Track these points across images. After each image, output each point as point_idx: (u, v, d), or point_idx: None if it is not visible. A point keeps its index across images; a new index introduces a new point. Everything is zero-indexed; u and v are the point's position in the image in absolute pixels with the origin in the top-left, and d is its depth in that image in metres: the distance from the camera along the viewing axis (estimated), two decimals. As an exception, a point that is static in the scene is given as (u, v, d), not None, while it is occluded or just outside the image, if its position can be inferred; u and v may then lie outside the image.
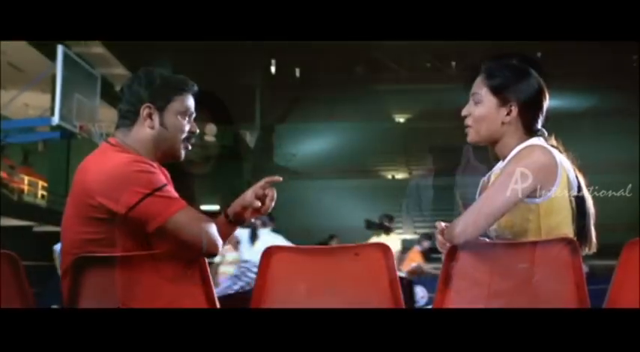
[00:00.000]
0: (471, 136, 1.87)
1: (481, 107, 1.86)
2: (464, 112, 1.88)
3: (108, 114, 12.36)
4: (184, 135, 1.89)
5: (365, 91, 30.08)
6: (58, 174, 16.07)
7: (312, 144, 28.28)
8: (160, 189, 1.71)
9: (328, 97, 29.62)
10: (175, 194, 1.75)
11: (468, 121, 1.88)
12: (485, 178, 1.92)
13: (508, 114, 1.84)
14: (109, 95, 12.76)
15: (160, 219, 1.68)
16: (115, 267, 1.65)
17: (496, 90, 1.85)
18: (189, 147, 1.92)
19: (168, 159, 1.90)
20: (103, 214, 1.71)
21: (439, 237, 1.77)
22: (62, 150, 15.84)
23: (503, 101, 1.84)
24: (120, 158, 1.75)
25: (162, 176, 1.77)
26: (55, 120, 9.35)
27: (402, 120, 30.41)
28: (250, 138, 27.56)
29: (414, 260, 9.06)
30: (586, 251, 1.80)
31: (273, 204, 1.92)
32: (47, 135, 10.60)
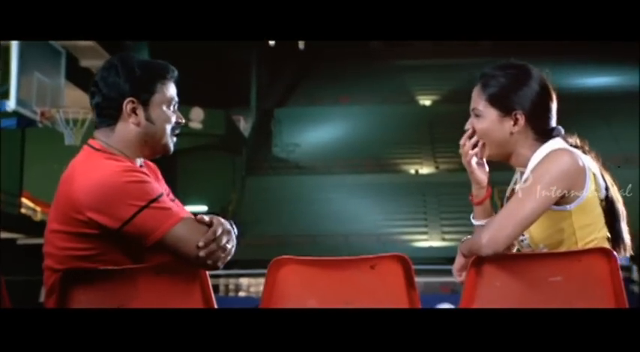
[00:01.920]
0: (487, 152, 2.02)
1: (482, 121, 2.00)
2: (466, 126, 2.03)
3: (75, 98, 12.47)
4: (171, 127, 2.01)
5: (382, 68, 30.18)
6: (13, 170, 16.18)
7: (318, 132, 28.29)
8: (155, 200, 1.82)
9: (338, 75, 29.72)
10: (172, 204, 1.88)
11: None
12: (509, 188, 2.08)
13: (515, 123, 1.98)
14: (77, 74, 12.89)
15: (158, 233, 1.80)
16: (107, 282, 1.82)
17: (494, 101, 1.98)
18: (175, 139, 2.04)
19: (156, 154, 2.03)
20: (93, 229, 1.82)
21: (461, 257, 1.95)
22: (15, 142, 15.76)
23: (506, 111, 1.98)
24: (109, 167, 1.85)
25: (156, 185, 1.90)
26: (11, 105, 9.15)
27: (427, 102, 30.43)
28: (244, 125, 27.60)
29: None
30: (622, 254, 1.96)
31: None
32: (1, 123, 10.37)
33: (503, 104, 1.98)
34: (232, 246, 1.86)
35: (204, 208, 23.63)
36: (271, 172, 26.85)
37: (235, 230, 1.89)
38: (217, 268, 1.84)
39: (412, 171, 27.56)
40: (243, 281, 20.07)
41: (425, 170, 27.56)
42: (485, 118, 1.99)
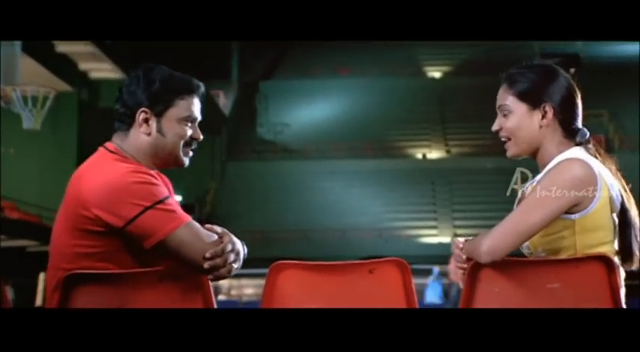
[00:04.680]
0: (511, 150, 2.39)
1: (512, 118, 2.37)
2: (494, 127, 2.40)
3: (34, 73, 12.64)
4: (184, 141, 2.38)
5: (386, 34, 30.24)
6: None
7: (311, 109, 28.34)
8: (161, 201, 2.17)
9: (334, 43, 29.82)
10: (178, 207, 2.23)
11: (503, 135, 2.39)
12: (524, 189, 2.41)
13: (543, 116, 2.35)
14: (35, 45, 13.06)
15: (161, 234, 2.14)
16: (109, 285, 2.16)
17: (524, 95, 2.36)
18: (191, 154, 2.42)
19: (168, 166, 2.40)
20: (98, 227, 2.17)
21: (457, 252, 2.29)
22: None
23: (535, 104, 2.35)
24: (119, 168, 2.21)
25: (164, 188, 2.26)
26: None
27: (436, 75, 30.57)
28: (224, 101, 27.70)
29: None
30: (628, 267, 2.31)
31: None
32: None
33: (532, 97, 2.34)
34: (238, 267, 2.22)
35: (178, 198, 23.82)
36: (256, 157, 26.95)
37: (245, 251, 2.25)
38: (217, 281, 2.21)
39: (419, 156, 27.67)
40: (224, 283, 20.42)
41: (434, 154, 27.72)
42: (514, 114, 2.36)
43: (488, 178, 22.85)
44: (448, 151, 27.95)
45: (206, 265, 2.14)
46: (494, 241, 2.17)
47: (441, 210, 25.15)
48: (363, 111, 27.93)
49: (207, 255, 2.14)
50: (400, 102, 28.36)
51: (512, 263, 2.21)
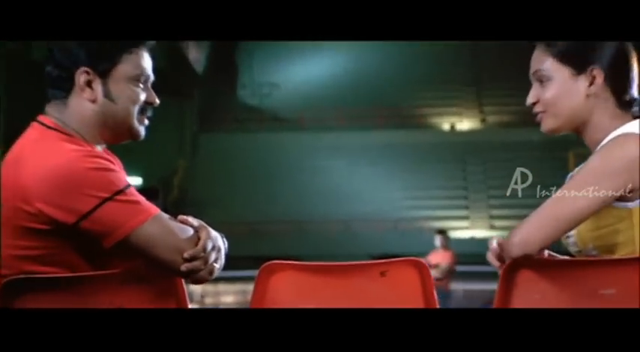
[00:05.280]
0: (547, 123, 2.44)
1: (551, 86, 2.42)
2: (530, 100, 2.44)
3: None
4: (139, 107, 2.41)
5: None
6: None
7: (307, 67, 28.16)
8: (122, 191, 2.21)
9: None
10: (142, 197, 2.27)
11: (538, 108, 2.44)
12: (573, 173, 2.45)
13: (591, 83, 2.39)
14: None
15: (123, 231, 2.19)
16: (59, 292, 2.21)
17: (566, 57, 2.40)
18: (147, 122, 2.46)
19: (120, 139, 2.44)
20: (43, 224, 2.20)
21: (490, 259, 2.34)
22: None
23: (580, 67, 2.39)
24: (65, 150, 2.23)
25: (123, 174, 2.30)
26: None
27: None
28: (196, 55, 27.48)
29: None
30: None
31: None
32: None
33: (576, 59, 2.38)
34: (220, 267, 2.29)
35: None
36: (237, 127, 26.82)
37: (226, 246, 2.32)
38: (197, 284, 2.28)
39: (447, 127, 27.60)
40: (195, 288, 20.54)
41: (465, 124, 27.65)
42: (553, 81, 2.41)
43: (535, 155, 22.84)
44: (483, 120, 27.87)
45: (184, 268, 2.21)
46: (528, 231, 2.23)
47: (473, 196, 25.15)
48: (374, 69, 27.74)
49: (186, 255, 2.21)
50: (422, 58, 28.17)
51: (556, 263, 2.28)
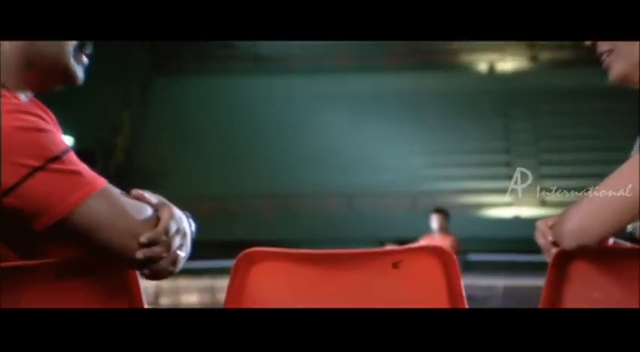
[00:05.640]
0: (615, 68, 2.52)
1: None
2: (602, 47, 2.52)
3: None
4: (74, 44, 2.43)
5: None
6: None
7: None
8: (58, 158, 2.22)
9: None
10: (84, 165, 2.28)
11: (603, 50, 2.53)
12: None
13: None
14: None
15: (60, 210, 2.20)
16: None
17: None
18: (86, 61, 2.47)
19: (53, 84, 2.48)
20: None
21: (542, 241, 2.42)
22: None
23: None
24: None
25: (59, 135, 2.31)
26: None
27: None
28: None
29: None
30: None
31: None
32: None
33: None
34: (185, 256, 2.32)
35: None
36: (203, 69, 26.68)
37: (193, 228, 2.35)
38: (157, 279, 2.29)
39: (483, 67, 27.48)
40: (148, 285, 20.67)
41: (508, 64, 27.53)
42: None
43: (602, 106, 22.75)
44: (534, 59, 27.78)
45: (140, 254, 2.23)
46: (583, 218, 2.30)
47: (518, 161, 25.11)
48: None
49: (143, 239, 2.23)
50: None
51: (621, 253, 2.33)
